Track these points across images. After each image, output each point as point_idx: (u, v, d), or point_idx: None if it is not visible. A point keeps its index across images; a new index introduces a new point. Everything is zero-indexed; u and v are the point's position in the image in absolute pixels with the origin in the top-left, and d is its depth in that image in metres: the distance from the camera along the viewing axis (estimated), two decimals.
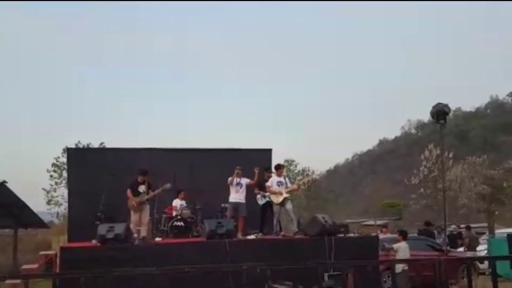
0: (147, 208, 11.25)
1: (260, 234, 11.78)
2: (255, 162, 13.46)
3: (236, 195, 11.85)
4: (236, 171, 11.83)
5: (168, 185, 11.35)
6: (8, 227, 19.66)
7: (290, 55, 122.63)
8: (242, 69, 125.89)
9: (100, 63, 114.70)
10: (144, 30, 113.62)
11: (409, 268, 9.83)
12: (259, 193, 12.26)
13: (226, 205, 12.12)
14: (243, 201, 11.90)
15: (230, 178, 11.83)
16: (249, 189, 12.26)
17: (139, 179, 11.26)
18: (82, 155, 15.54)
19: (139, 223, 11.01)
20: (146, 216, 11.19)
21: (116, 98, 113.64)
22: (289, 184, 12.15)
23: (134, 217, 11.09)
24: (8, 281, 10.80)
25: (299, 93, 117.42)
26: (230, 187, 11.89)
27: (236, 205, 11.82)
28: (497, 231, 23.23)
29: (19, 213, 17.35)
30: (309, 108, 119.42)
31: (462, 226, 23.47)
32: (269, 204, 11.98)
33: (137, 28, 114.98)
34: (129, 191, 11.14)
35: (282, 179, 12.01)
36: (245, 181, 11.97)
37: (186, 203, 12.77)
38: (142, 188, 11.18)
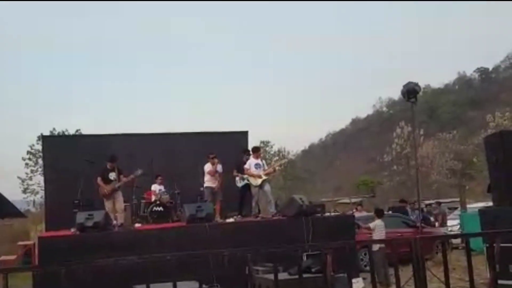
0: (119, 194, 11.14)
1: (239, 216, 11.95)
2: (232, 144, 13.61)
3: (213, 181, 11.97)
4: (213, 160, 11.92)
5: (139, 171, 11.23)
6: None
7: (264, 36, 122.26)
8: (220, 51, 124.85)
9: (75, 47, 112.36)
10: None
11: (386, 245, 10.11)
12: (237, 175, 12.37)
13: (204, 189, 12.18)
14: (219, 186, 12.06)
15: (209, 169, 11.94)
16: (228, 171, 12.37)
17: (109, 165, 11.12)
18: (57, 143, 15.36)
19: (114, 210, 10.95)
20: (120, 202, 11.08)
21: (98, 82, 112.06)
22: (265, 166, 12.30)
23: (108, 205, 11.00)
24: None
25: (273, 74, 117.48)
26: (209, 175, 12.00)
27: (212, 190, 11.95)
28: (468, 205, 23.81)
29: None
30: (283, 89, 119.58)
31: (427, 202, 24.06)
32: (248, 186, 12.09)
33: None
34: (99, 179, 11.01)
35: (259, 161, 12.13)
36: (220, 167, 12.08)
37: (165, 187, 12.80)
38: (112, 175, 11.05)
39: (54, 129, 30.55)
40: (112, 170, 11.11)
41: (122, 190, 11.43)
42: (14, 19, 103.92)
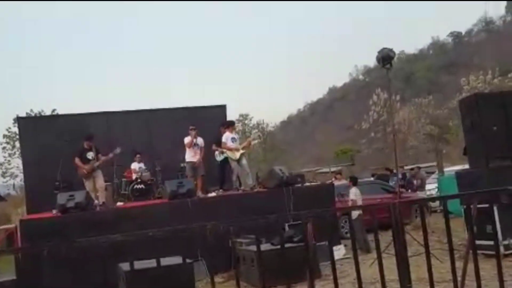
0: (99, 173, 11.03)
1: (221, 190, 12.00)
2: (210, 118, 13.58)
3: (194, 155, 11.83)
4: (192, 132, 11.75)
5: (118, 150, 11.11)
6: None
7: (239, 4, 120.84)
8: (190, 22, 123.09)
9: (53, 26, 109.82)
10: None
11: (365, 212, 10.30)
12: (217, 150, 12.37)
13: (185, 165, 12.15)
14: (201, 160, 11.95)
15: (188, 140, 11.76)
16: (207, 146, 12.32)
17: (86, 145, 11.00)
18: (34, 124, 15.13)
19: (95, 190, 10.86)
20: (100, 181, 10.97)
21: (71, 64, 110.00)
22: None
23: (88, 184, 10.91)
24: None
25: (248, 45, 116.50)
26: (188, 148, 11.85)
27: (194, 165, 11.85)
28: (445, 169, 24.20)
29: None
30: (260, 60, 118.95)
31: (407, 167, 24.42)
32: (227, 160, 12.10)
33: None
34: (77, 160, 10.89)
35: (235, 135, 12.18)
36: (200, 140, 11.96)
37: (145, 165, 12.79)
38: (90, 155, 10.94)
39: (31, 110, 30.13)
40: (90, 149, 10.99)
41: (102, 169, 11.39)
42: None
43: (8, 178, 30.81)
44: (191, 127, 11.81)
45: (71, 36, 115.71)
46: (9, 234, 15.39)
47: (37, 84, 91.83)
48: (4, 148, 30.25)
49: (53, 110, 29.04)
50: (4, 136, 30.04)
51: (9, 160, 30.40)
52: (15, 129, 26.80)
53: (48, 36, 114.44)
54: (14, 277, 8.62)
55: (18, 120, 16.27)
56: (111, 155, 11.07)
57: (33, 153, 13.44)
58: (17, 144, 26.61)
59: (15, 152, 29.11)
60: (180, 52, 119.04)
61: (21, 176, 25.30)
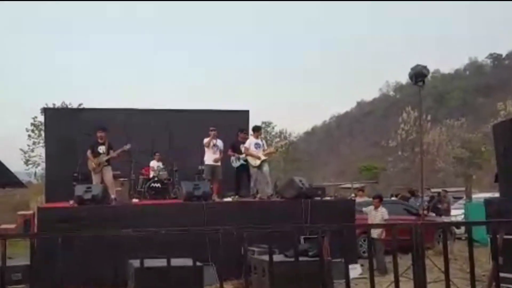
0: (108, 168, 10.89)
1: (237, 196, 11.73)
2: (233, 123, 13.38)
3: (213, 157, 11.61)
4: (212, 132, 11.55)
5: (128, 146, 10.97)
6: None
7: (273, 14, 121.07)
8: (224, 31, 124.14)
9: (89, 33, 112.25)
10: None
11: (385, 232, 9.93)
12: (233, 155, 12.10)
13: (203, 167, 11.93)
14: (219, 163, 11.75)
15: (206, 140, 11.57)
16: (225, 151, 12.11)
17: (99, 137, 10.89)
18: (59, 115, 15.30)
19: (103, 184, 10.69)
20: (108, 176, 10.84)
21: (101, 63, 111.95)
22: (265, 147, 12.07)
23: (95, 178, 10.81)
24: None
25: (278, 55, 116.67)
26: (206, 149, 11.63)
27: (213, 168, 11.63)
28: (474, 195, 23.55)
29: None
30: (287, 70, 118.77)
31: (433, 190, 23.79)
32: (244, 166, 11.79)
33: None
34: (89, 152, 10.83)
35: (259, 141, 11.87)
36: (220, 142, 11.75)
37: (163, 164, 12.69)
38: (102, 149, 10.83)
39: (63, 102, 30.48)
40: (103, 143, 10.90)
41: (120, 164, 11.25)
42: None
43: (30, 166, 31.22)
44: (211, 128, 11.62)
45: (114, 35, 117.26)
46: (26, 220, 15.60)
47: (70, 79, 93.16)
48: (29, 136, 30.65)
49: (80, 104, 29.31)
50: (32, 124, 30.44)
51: (32, 149, 30.77)
52: (42, 119, 27.15)
53: (88, 32, 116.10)
54: (28, 263, 8.76)
55: (45, 110, 16.45)
56: (119, 150, 10.91)
57: (56, 144, 13.53)
58: (43, 133, 26.92)
59: (39, 141, 29.44)
60: (208, 56, 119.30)
61: (43, 165, 25.60)
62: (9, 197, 23.39)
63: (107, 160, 10.84)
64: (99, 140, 10.92)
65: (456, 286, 6.61)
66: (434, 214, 16.32)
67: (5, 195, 22.49)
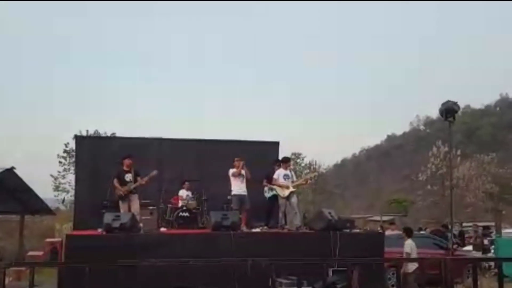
0: (135, 197, 10.97)
1: (265, 227, 11.74)
2: (263, 154, 13.49)
3: (241, 187, 11.67)
4: (240, 163, 11.61)
5: (154, 172, 11.01)
6: (15, 213, 19.78)
7: (298, 49, 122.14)
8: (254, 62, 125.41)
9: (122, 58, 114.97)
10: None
11: (419, 266, 9.75)
12: (266, 186, 12.20)
13: (231, 197, 11.92)
14: (246, 193, 11.78)
15: (234, 170, 11.64)
16: (257, 181, 12.21)
17: (125, 167, 11.02)
18: (90, 143, 15.51)
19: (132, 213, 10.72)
20: (135, 205, 10.91)
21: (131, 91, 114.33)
22: (294, 178, 12.10)
23: (123, 207, 10.89)
24: (12, 268, 10.94)
25: (308, 87, 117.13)
26: (233, 178, 11.69)
27: (241, 198, 11.67)
28: (504, 231, 23.04)
29: (26, 199, 17.47)
30: (318, 102, 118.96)
31: (464, 224, 23.33)
32: (276, 197, 11.90)
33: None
34: (115, 181, 10.92)
35: (288, 172, 11.94)
36: (245, 172, 11.77)
37: (192, 193, 12.77)
38: (128, 177, 10.94)
39: (96, 131, 30.99)
40: (129, 171, 11.02)
41: (150, 193, 11.36)
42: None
43: (60, 192, 31.63)
44: (236, 159, 11.71)
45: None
46: (54, 247, 15.75)
47: (102, 107, 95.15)
48: (60, 162, 31.14)
49: (113, 134, 29.81)
50: (64, 151, 30.99)
51: (63, 175, 31.23)
52: (73, 146, 27.60)
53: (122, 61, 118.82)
54: None
55: (76, 138, 16.72)
56: (146, 178, 10.96)
57: (86, 171, 13.68)
58: (73, 160, 27.34)
59: (70, 168, 29.89)
60: (241, 89, 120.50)
61: (72, 192, 25.94)
62: (38, 223, 23.68)
63: (134, 188, 10.94)
64: (125, 168, 11.06)
65: None
66: (461, 248, 15.99)
67: (33, 221, 22.78)
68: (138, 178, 10.97)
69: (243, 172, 11.69)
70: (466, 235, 20.23)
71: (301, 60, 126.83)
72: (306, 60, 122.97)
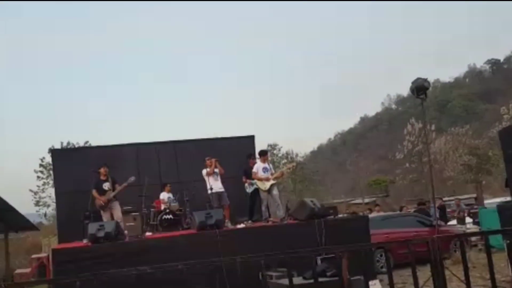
0: (116, 205, 11.02)
1: (250, 221, 11.80)
2: (239, 149, 13.49)
3: (216, 184, 11.81)
4: (212, 161, 11.81)
5: (132, 178, 11.02)
6: None
7: (273, 34, 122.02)
8: (219, 56, 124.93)
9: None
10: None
11: (402, 245, 9.90)
12: (246, 182, 12.22)
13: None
14: (223, 189, 11.94)
15: (207, 170, 11.82)
16: (237, 178, 12.32)
17: (101, 175, 11.06)
18: (67, 156, 15.37)
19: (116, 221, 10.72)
20: (117, 212, 10.97)
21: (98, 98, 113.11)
22: (273, 170, 12.15)
23: (105, 216, 10.92)
24: None
25: (278, 76, 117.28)
26: (208, 178, 11.84)
27: (219, 194, 11.82)
28: (486, 201, 23.39)
29: (9, 218, 17.24)
30: (288, 90, 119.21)
31: (445, 199, 23.63)
32: (257, 191, 11.95)
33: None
34: (94, 191, 10.94)
35: (267, 165, 11.98)
36: (218, 169, 11.95)
37: (173, 195, 12.72)
38: (106, 186, 10.98)
39: (68, 142, 30.70)
40: (106, 180, 11.04)
41: (131, 199, 11.32)
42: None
43: (41, 207, 31.27)
44: (207, 158, 11.88)
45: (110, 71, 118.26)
46: (41, 263, 15.59)
47: (72, 117, 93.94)
48: (38, 177, 30.77)
49: (86, 142, 29.50)
50: (40, 165, 30.61)
51: (43, 189, 30.87)
52: (49, 160, 27.29)
53: (86, 70, 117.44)
54: None
55: (52, 152, 16.56)
56: (125, 184, 10.99)
57: (65, 184, 13.55)
58: (51, 173, 27.02)
59: (49, 182, 29.55)
60: (207, 80, 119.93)
61: (53, 205, 25.63)
62: (22, 240, 23.44)
63: (114, 196, 10.96)
64: (102, 178, 11.07)
65: None
66: (443, 223, 16.23)
67: (17, 238, 22.52)
68: (116, 186, 10.98)
69: (216, 170, 11.85)
70: (449, 209, 20.51)
71: (265, 44, 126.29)
72: (268, 44, 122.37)
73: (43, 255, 16.82)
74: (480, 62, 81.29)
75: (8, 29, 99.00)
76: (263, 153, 12.36)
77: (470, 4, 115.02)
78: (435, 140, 34.56)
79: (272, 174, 11.84)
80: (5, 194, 16.07)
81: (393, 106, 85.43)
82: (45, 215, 31.34)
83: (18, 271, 16.14)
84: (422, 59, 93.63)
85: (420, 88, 10.64)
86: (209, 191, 11.80)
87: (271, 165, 12.30)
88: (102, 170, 11.09)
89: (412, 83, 10.81)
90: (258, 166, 11.84)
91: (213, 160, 11.85)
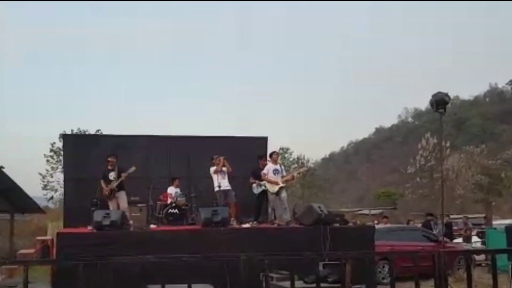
0: (122, 194, 11.10)
1: (255, 222, 11.75)
2: (251, 150, 13.45)
3: (223, 182, 11.84)
4: (220, 159, 11.84)
5: (132, 169, 11.04)
6: (4, 211, 19.68)
7: (288, 40, 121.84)
8: (240, 56, 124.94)
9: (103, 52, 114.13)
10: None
11: (407, 258, 9.81)
12: (254, 182, 12.17)
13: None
14: (230, 187, 11.99)
15: (215, 168, 11.86)
16: (246, 178, 12.32)
17: (109, 164, 11.14)
18: (77, 141, 15.46)
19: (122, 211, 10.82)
20: (123, 202, 11.05)
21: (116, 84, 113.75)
22: (284, 173, 12.09)
23: (112, 205, 11.00)
24: (5, 266, 10.96)
25: (296, 80, 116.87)
26: (215, 176, 11.89)
27: (225, 192, 11.85)
28: (494, 222, 23.15)
29: (16, 198, 17.34)
30: (305, 95, 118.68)
31: (453, 216, 23.40)
32: (265, 192, 11.91)
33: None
34: (101, 181, 11.09)
35: (278, 167, 11.93)
36: (226, 167, 11.98)
37: (181, 190, 12.73)
38: (112, 175, 11.06)
39: (79, 128, 30.90)
40: (112, 169, 11.12)
41: (138, 190, 11.43)
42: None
43: (48, 191, 31.52)
44: (215, 156, 11.91)
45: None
46: (45, 245, 15.66)
47: (86, 104, 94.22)
48: (48, 161, 30.97)
49: (97, 130, 29.62)
50: (50, 150, 30.80)
51: (51, 174, 31.07)
52: (60, 145, 27.45)
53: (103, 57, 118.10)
54: None
55: (63, 137, 16.61)
56: (125, 174, 11.03)
57: (74, 170, 13.66)
58: (61, 158, 27.20)
59: (58, 167, 29.73)
60: (223, 80, 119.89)
61: (60, 190, 25.83)
62: (27, 222, 23.60)
63: (120, 186, 11.03)
64: (109, 167, 11.16)
65: None
66: (448, 240, 16.06)
67: (23, 220, 22.68)
68: (122, 174, 11.04)
69: (224, 168, 11.88)
70: (455, 227, 20.32)
71: (287, 50, 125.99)
72: (288, 52, 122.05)
73: (47, 237, 16.91)
74: (502, 82, 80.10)
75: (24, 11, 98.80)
76: (273, 154, 12.31)
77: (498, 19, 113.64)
78: (448, 157, 34.22)
79: (282, 177, 11.78)
80: (14, 175, 16.15)
81: (410, 120, 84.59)
82: (51, 198, 31.60)
83: (22, 251, 16.25)
84: (442, 75, 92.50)
85: (440, 101, 10.49)
86: (216, 189, 11.82)
87: (282, 167, 12.24)
88: (109, 159, 11.19)
89: (433, 96, 10.66)
90: (269, 168, 11.80)
91: (221, 158, 11.87)
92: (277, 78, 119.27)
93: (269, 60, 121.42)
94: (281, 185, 11.62)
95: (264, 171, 11.80)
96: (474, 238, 17.99)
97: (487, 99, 78.81)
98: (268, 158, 12.35)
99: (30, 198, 18.26)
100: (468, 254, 9.20)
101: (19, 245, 18.14)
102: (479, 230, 19.87)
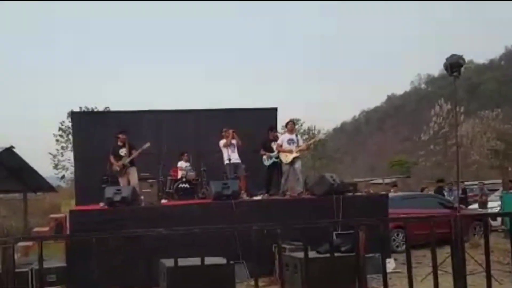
0: (133, 170, 11.12)
1: (266, 195, 11.62)
2: (261, 121, 13.28)
3: (233, 156, 11.74)
4: (229, 132, 11.72)
5: (147, 145, 11.04)
6: (17, 191, 19.91)
7: (302, 8, 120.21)
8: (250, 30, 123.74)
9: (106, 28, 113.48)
10: None
11: (423, 225, 9.67)
12: (264, 154, 12.01)
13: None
14: (239, 160, 11.88)
15: (224, 141, 11.74)
16: (255, 149, 12.18)
17: (119, 141, 11.13)
18: (86, 119, 15.38)
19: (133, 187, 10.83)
20: (134, 178, 11.08)
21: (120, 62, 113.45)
22: (300, 142, 11.86)
23: (122, 181, 11.04)
24: (21, 244, 11.07)
25: (305, 51, 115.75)
26: (224, 149, 11.79)
27: (235, 165, 11.76)
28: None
29: (28, 177, 17.47)
30: (315, 65, 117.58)
31: (467, 183, 23.17)
32: (276, 164, 11.77)
33: None
34: (111, 157, 11.05)
35: (293, 136, 11.69)
36: (235, 140, 11.86)
37: (191, 164, 12.65)
38: (123, 151, 11.07)
39: (86, 107, 30.82)
40: (123, 146, 11.11)
41: (149, 166, 11.36)
42: None
43: (59, 170, 31.74)
44: (224, 129, 11.77)
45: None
46: (58, 223, 15.79)
47: (92, 82, 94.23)
48: (57, 141, 31.08)
49: (106, 108, 29.58)
50: (59, 129, 30.88)
51: (62, 153, 31.23)
52: (69, 123, 27.49)
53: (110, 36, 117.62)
54: (61, 264, 9.31)
55: (72, 114, 16.53)
56: (139, 150, 11.04)
57: (84, 148, 13.61)
58: (70, 137, 27.24)
59: (67, 146, 29.84)
60: (233, 52, 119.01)
61: (71, 169, 25.92)
62: (40, 201, 23.83)
63: (131, 162, 11.04)
64: (119, 143, 11.15)
65: (494, 278, 6.37)
66: (463, 207, 15.89)
67: (36, 199, 22.91)
68: (133, 152, 11.05)
69: (233, 141, 11.76)
70: (470, 193, 20.11)
71: (299, 23, 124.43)
72: (302, 21, 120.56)
73: (61, 215, 17.04)
74: None
75: None
76: (289, 124, 12.12)
77: None
78: (462, 123, 33.76)
79: (298, 146, 11.59)
80: (25, 155, 16.23)
81: (423, 86, 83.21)
82: (63, 177, 31.84)
83: (36, 229, 16.37)
84: (456, 40, 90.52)
85: (454, 64, 10.16)
86: (226, 162, 11.73)
87: (298, 137, 12.04)
88: (120, 136, 11.16)
89: (447, 59, 10.33)
90: (284, 138, 11.65)
91: (230, 131, 11.74)
92: (284, 47, 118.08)
93: (277, 30, 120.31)
94: (295, 155, 11.45)
95: (279, 141, 11.63)
96: (491, 204, 17.78)
97: (503, 63, 76.72)
98: (280, 130, 12.15)
99: (42, 177, 18.43)
100: (486, 217, 9.04)
101: (33, 223, 18.29)
102: (497, 194, 19.65)
